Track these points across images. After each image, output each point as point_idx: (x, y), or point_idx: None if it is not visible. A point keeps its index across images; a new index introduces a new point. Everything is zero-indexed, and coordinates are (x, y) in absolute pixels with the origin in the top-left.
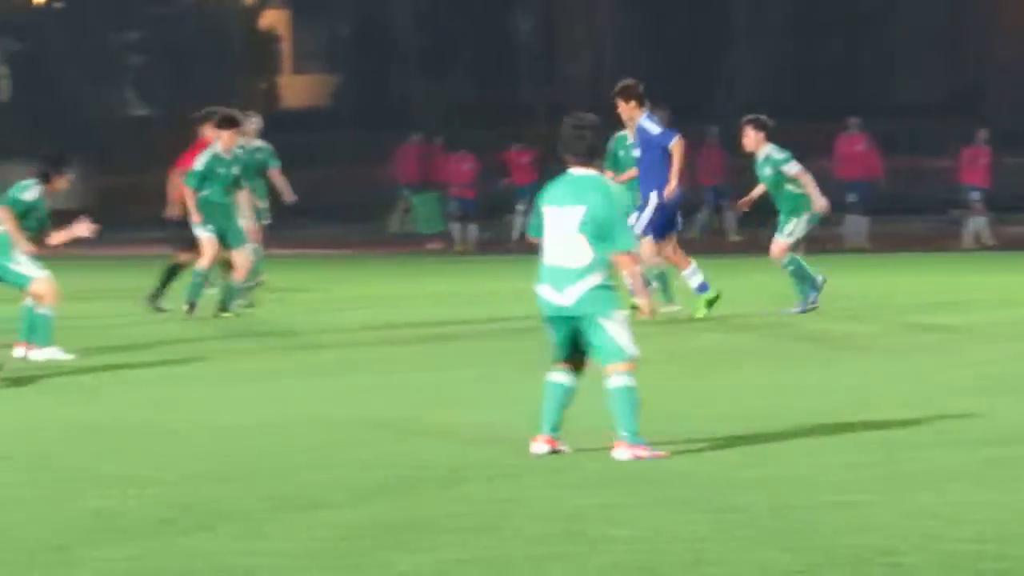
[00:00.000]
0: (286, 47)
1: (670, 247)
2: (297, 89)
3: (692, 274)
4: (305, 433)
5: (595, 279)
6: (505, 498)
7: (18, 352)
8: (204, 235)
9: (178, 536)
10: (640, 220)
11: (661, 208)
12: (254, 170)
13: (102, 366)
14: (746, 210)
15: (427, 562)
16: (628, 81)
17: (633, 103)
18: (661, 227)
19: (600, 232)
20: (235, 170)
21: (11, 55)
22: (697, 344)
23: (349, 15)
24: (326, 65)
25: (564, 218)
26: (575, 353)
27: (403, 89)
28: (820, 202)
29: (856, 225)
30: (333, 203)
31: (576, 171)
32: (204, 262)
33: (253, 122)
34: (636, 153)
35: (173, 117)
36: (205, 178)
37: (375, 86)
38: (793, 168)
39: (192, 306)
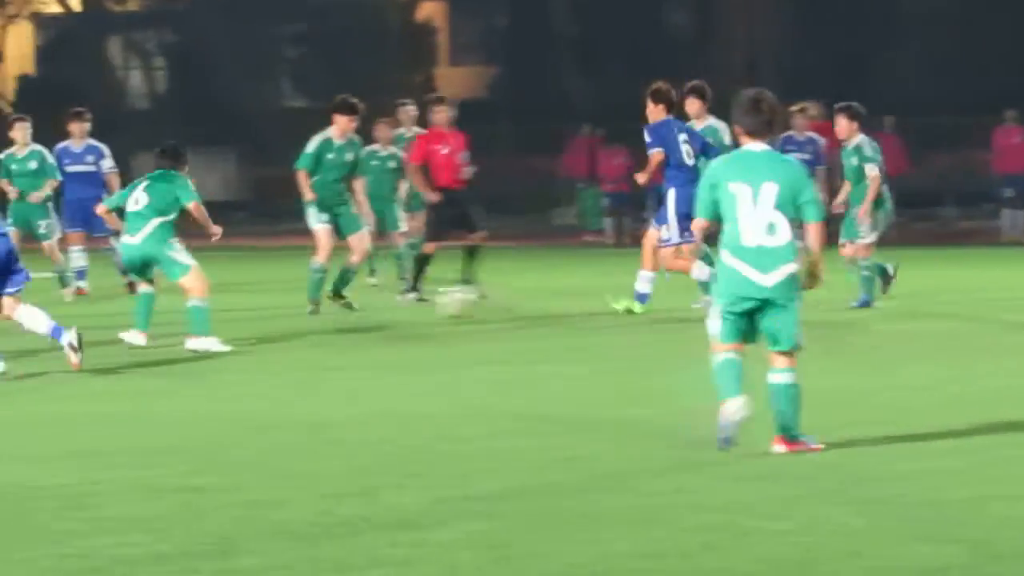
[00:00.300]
0: (443, 39)
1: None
2: (454, 81)
3: (645, 280)
4: (463, 424)
5: (794, 264)
6: (663, 491)
7: (134, 339)
8: (318, 227)
9: (335, 527)
10: (670, 223)
11: (681, 206)
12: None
13: (260, 358)
14: (842, 211)
15: (586, 554)
16: (659, 84)
17: (661, 106)
18: (686, 225)
19: (793, 207)
20: (348, 156)
21: (167, 47)
22: (842, 339)
23: (506, 7)
24: (483, 57)
25: (760, 196)
26: (745, 336)
27: (559, 81)
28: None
29: (1013, 219)
30: (490, 195)
31: (753, 146)
32: (321, 256)
33: (409, 111)
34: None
35: (330, 109)
36: (317, 161)
37: (532, 78)
38: (872, 171)
39: (343, 300)
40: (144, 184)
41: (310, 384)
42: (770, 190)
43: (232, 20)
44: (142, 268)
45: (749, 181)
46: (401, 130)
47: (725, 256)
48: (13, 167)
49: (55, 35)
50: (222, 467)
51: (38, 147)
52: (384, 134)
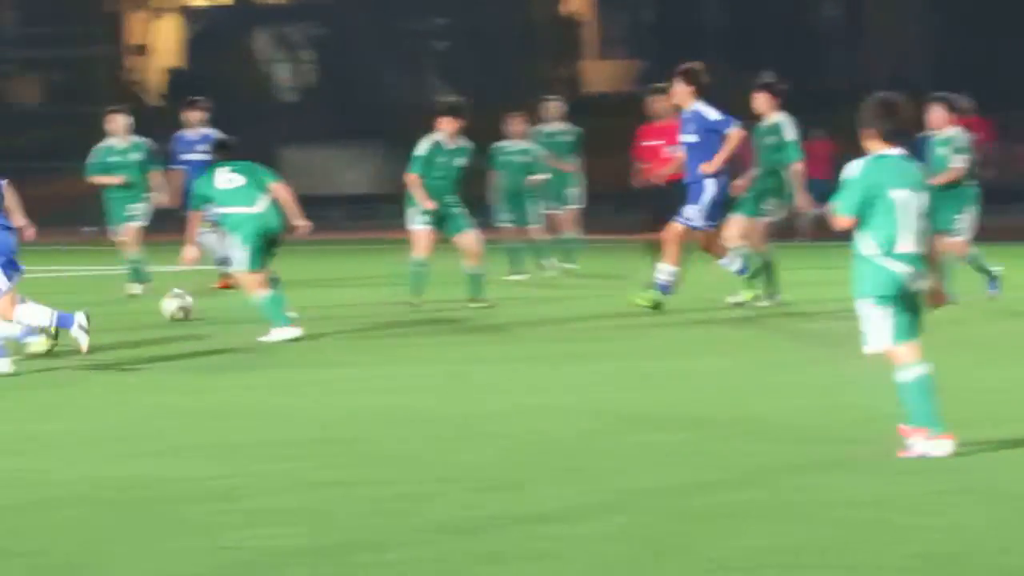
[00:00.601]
0: (591, 32)
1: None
2: (602, 74)
3: (729, 262)
4: (602, 419)
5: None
6: (810, 486)
7: (284, 335)
8: (418, 228)
9: (485, 520)
10: (701, 206)
11: (718, 195)
12: (562, 152)
13: (403, 352)
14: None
15: (732, 547)
16: (694, 64)
17: (693, 88)
18: (716, 214)
19: (928, 217)
20: (457, 161)
21: (316, 40)
22: (986, 332)
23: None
24: (631, 50)
25: (916, 204)
26: (916, 333)
27: (709, 75)
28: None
29: None
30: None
31: (893, 151)
32: (419, 253)
33: (552, 106)
34: (690, 139)
35: (476, 103)
36: (428, 165)
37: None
38: (959, 163)
39: (480, 300)
40: (227, 168)
41: (453, 377)
42: (923, 199)
43: (379, 13)
44: (268, 242)
45: (911, 188)
46: (544, 126)
47: (878, 258)
48: (115, 159)
49: (203, 28)
50: (371, 460)
51: (140, 139)
52: (517, 128)
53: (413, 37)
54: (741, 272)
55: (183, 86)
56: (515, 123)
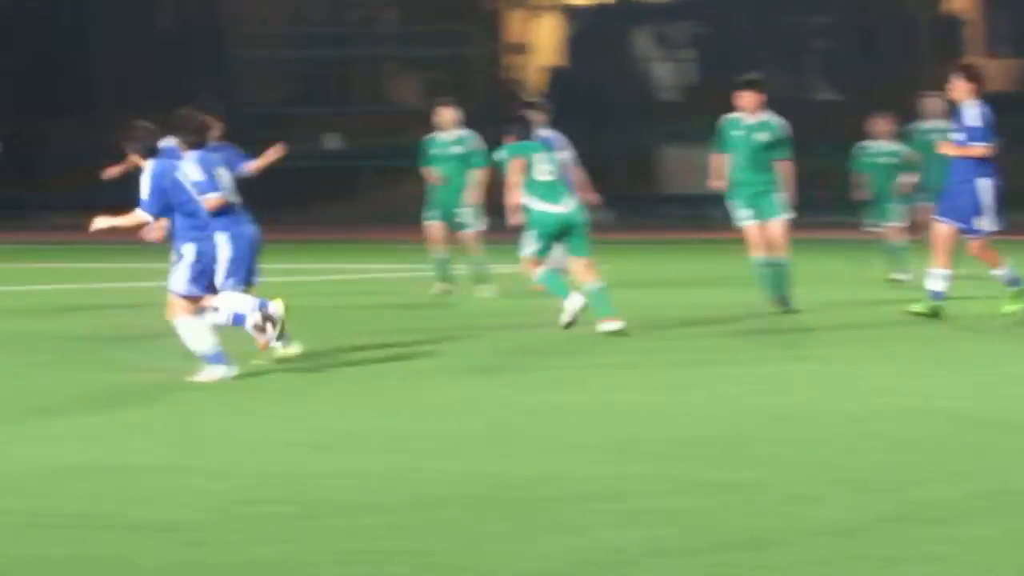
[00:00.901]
0: (975, 31)
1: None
2: (989, 73)
3: (939, 277)
4: (987, 422)
5: None
6: None
7: (612, 326)
8: (744, 224)
9: (870, 522)
10: (988, 211)
11: (994, 195)
12: (926, 151)
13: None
14: None
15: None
16: (972, 61)
17: (971, 84)
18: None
19: None
20: (759, 136)
21: (697, 39)
22: None
23: None
24: (1018, 49)
25: None
26: None
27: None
28: None
29: None
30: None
31: None
32: (756, 251)
33: (930, 102)
34: (959, 137)
35: (859, 101)
36: (725, 141)
37: None
38: None
39: (783, 300)
40: (545, 155)
41: (826, 377)
42: None
43: (762, 11)
44: (557, 237)
45: None
46: (923, 122)
47: None
48: (437, 152)
49: (584, 27)
50: (753, 461)
51: (467, 132)
52: (882, 128)
53: (794, 35)
54: (1014, 284)
55: (561, 85)
56: (880, 123)
